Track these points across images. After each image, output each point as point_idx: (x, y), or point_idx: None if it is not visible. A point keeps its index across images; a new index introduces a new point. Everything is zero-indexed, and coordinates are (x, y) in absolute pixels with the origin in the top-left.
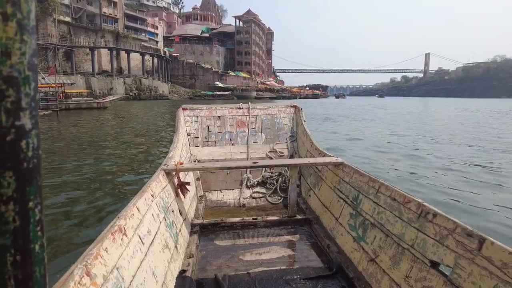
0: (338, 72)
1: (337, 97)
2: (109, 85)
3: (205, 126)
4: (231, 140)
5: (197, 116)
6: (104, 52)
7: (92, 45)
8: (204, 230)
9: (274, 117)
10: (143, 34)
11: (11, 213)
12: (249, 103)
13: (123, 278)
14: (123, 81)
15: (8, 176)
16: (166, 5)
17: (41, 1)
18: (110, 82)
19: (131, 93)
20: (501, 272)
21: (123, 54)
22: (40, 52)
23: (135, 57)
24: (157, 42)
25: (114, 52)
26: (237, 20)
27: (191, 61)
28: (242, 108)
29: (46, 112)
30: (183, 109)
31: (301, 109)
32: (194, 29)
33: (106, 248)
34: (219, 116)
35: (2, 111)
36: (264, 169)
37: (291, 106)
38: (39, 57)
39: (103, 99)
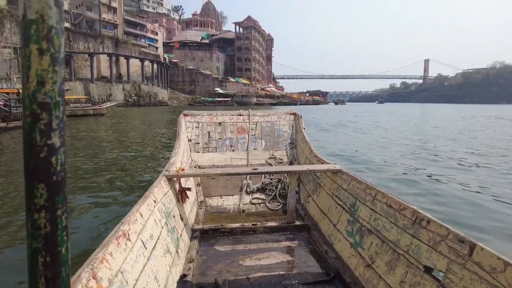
0: (337, 78)
1: (336, 103)
2: (108, 91)
3: (206, 132)
4: (231, 146)
5: (198, 122)
6: (103, 58)
7: (91, 50)
8: (204, 235)
9: (274, 124)
10: (143, 40)
11: (43, 220)
12: (249, 110)
13: (127, 282)
14: (122, 87)
15: (41, 188)
16: (166, 12)
17: None
18: (109, 88)
19: (130, 99)
20: (490, 277)
21: (122, 60)
22: None
23: (135, 63)
24: (156, 48)
25: (114, 58)
26: (237, 26)
27: (191, 67)
28: (243, 115)
29: None
30: (184, 115)
31: (301, 116)
32: (194, 35)
33: (111, 252)
34: (219, 123)
35: (37, 132)
36: (263, 175)
37: (290, 114)
38: None
39: (100, 106)
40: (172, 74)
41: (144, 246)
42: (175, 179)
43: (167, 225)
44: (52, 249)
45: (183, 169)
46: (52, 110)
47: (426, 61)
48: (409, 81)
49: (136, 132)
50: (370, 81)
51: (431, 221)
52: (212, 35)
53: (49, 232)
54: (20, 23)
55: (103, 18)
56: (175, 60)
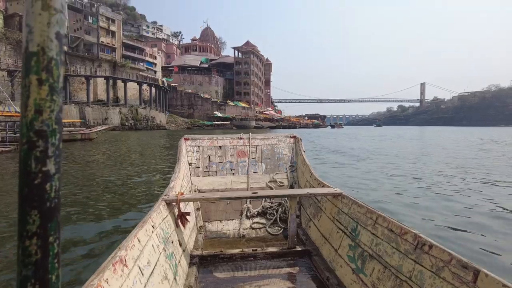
0: (335, 102)
1: (333, 126)
2: (104, 115)
3: (206, 156)
4: (231, 169)
5: (198, 146)
6: (100, 81)
7: (88, 73)
8: (203, 262)
9: (274, 147)
10: (141, 64)
11: (34, 247)
12: (250, 133)
13: None
14: (118, 110)
15: (33, 214)
16: (165, 37)
17: None
18: (105, 112)
19: (127, 123)
20: None
21: (119, 84)
22: None
23: (132, 87)
24: (155, 72)
25: (111, 81)
26: (236, 51)
27: (190, 91)
28: (243, 138)
29: (6, 149)
30: (185, 139)
31: (301, 139)
32: (193, 59)
33: (107, 279)
34: (220, 146)
35: (32, 159)
36: (264, 199)
37: (290, 137)
38: None
39: (90, 130)
40: (171, 97)
41: (141, 272)
42: (174, 203)
43: (165, 251)
44: (42, 276)
45: (182, 194)
46: (48, 138)
47: (422, 85)
48: (406, 104)
49: (120, 162)
50: (366, 104)
51: (433, 245)
52: (211, 60)
53: (40, 259)
54: (22, 55)
55: (102, 41)
56: (173, 84)
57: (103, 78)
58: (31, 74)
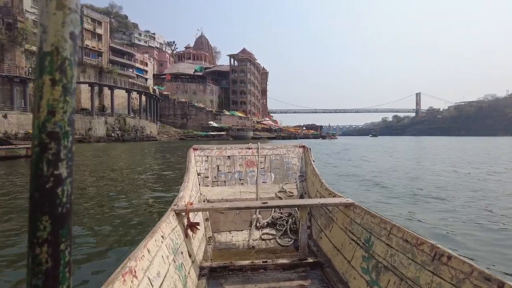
0: (330, 112)
1: (324, 137)
2: (87, 125)
3: (215, 166)
4: (240, 179)
5: (207, 156)
6: (85, 89)
7: None
8: (213, 273)
9: (283, 157)
10: (131, 70)
11: (45, 255)
12: (258, 143)
13: None
14: (104, 120)
15: (44, 220)
16: (158, 46)
17: (10, 29)
18: (89, 122)
19: (113, 134)
20: None
21: (106, 91)
22: (5, 87)
23: (121, 95)
24: (146, 79)
25: (96, 88)
26: (232, 59)
27: (183, 100)
28: (251, 148)
29: None
30: (194, 149)
31: (310, 149)
32: (187, 67)
33: None
34: (228, 156)
35: (44, 162)
36: (273, 209)
37: (299, 146)
38: (4, 91)
39: None
40: (163, 107)
41: (151, 283)
42: (183, 213)
43: (174, 262)
44: (53, 286)
45: (191, 204)
46: (61, 140)
47: (418, 95)
48: (401, 115)
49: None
50: (360, 114)
51: (452, 256)
52: (206, 68)
53: (50, 268)
54: (36, 56)
55: (86, 45)
56: (166, 93)
57: (87, 85)
58: (45, 75)
